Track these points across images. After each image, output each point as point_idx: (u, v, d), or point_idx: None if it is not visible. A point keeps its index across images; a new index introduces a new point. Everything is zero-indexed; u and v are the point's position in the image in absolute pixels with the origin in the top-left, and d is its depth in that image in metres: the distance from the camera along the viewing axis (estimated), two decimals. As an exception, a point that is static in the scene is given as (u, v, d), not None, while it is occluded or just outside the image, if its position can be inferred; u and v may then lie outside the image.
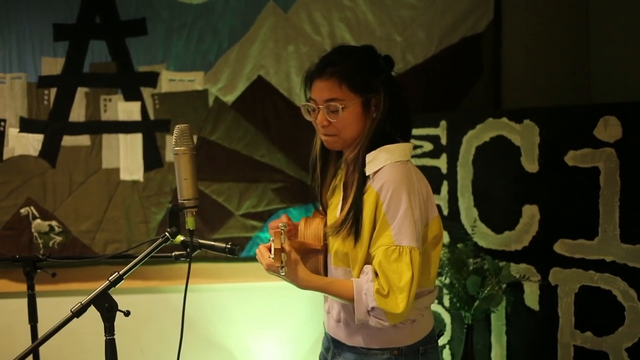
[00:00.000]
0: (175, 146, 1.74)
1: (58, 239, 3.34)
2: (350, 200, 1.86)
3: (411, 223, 1.76)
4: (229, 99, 3.35)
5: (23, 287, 2.53)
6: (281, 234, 1.71)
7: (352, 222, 1.83)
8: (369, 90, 1.85)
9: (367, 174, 1.84)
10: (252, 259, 2.11)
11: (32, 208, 3.32)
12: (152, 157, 3.34)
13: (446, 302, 3.12)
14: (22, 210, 3.32)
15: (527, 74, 3.38)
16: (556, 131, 2.74)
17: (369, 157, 1.84)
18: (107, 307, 1.68)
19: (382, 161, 1.83)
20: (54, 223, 3.34)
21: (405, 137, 1.94)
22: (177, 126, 1.74)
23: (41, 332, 2.47)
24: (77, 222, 3.34)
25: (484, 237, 2.98)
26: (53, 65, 3.29)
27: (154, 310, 3.41)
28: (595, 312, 2.66)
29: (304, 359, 3.45)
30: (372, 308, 1.75)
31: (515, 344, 2.95)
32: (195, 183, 1.75)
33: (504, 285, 2.81)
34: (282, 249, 1.71)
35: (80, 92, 3.31)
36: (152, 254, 1.78)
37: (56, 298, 2.99)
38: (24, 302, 2.52)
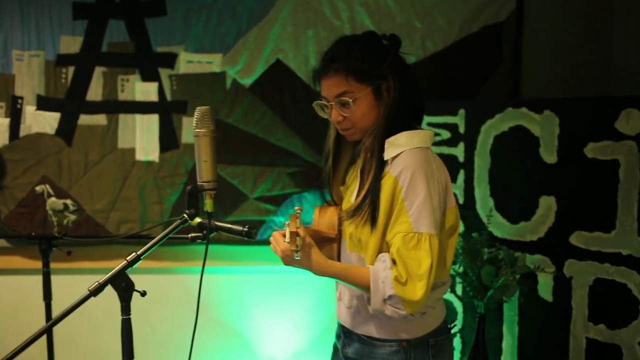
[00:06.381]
0: (195, 128, 1.73)
1: (72, 217, 3.35)
2: (367, 186, 1.85)
3: (430, 210, 1.74)
4: (247, 81, 3.33)
5: (36, 264, 2.56)
6: (297, 218, 1.70)
7: (369, 208, 1.81)
8: (377, 77, 1.83)
9: (385, 159, 1.83)
10: (266, 242, 2.10)
11: (47, 186, 3.34)
12: (168, 138, 3.34)
13: (459, 291, 3.11)
14: (37, 188, 3.33)
15: (548, 64, 3.34)
16: (576, 122, 2.71)
17: (388, 142, 1.83)
18: (124, 286, 1.69)
19: (402, 147, 1.81)
20: (68, 201, 3.35)
21: (419, 118, 1.92)
22: (198, 108, 1.74)
23: (54, 309, 2.50)
24: (92, 201, 3.36)
25: (500, 227, 2.97)
26: (71, 44, 3.29)
27: (165, 291, 3.43)
28: (609, 305, 2.65)
29: (314, 344, 3.46)
30: (390, 296, 1.74)
31: (527, 334, 2.94)
32: (214, 165, 1.75)
33: (517, 276, 2.80)
34: (297, 233, 1.69)
35: (98, 72, 3.31)
36: (169, 235, 1.78)
37: (70, 276, 3.02)
38: (37, 279, 2.54)
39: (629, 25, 3.25)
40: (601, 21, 3.34)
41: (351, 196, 1.95)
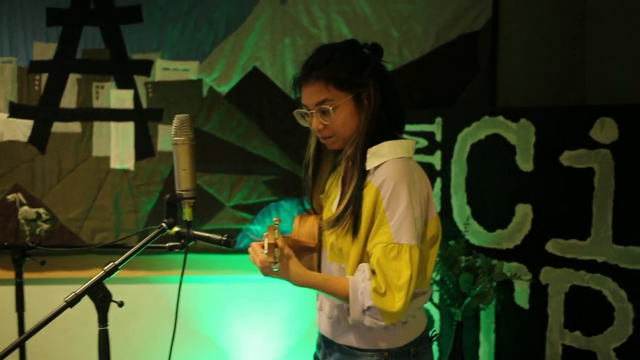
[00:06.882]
0: (174, 136, 1.71)
1: (45, 226, 3.30)
2: (348, 196, 1.83)
3: (411, 221, 1.74)
4: (224, 89, 3.32)
5: (9, 274, 2.51)
6: (275, 229, 1.69)
7: (351, 218, 1.80)
8: (358, 85, 1.82)
9: (367, 169, 1.82)
10: (243, 251, 2.09)
11: (19, 194, 3.28)
12: (144, 146, 3.31)
13: (436, 299, 3.12)
14: (9, 197, 3.27)
15: (523, 73, 3.38)
16: (552, 131, 2.74)
17: (370, 151, 1.82)
18: (101, 297, 1.66)
19: (384, 156, 1.80)
20: (41, 210, 3.29)
21: (400, 126, 1.92)
22: (177, 116, 1.72)
23: (28, 320, 2.45)
24: (65, 209, 3.30)
25: (476, 234, 2.98)
26: (45, 50, 3.24)
27: (139, 301, 3.38)
28: (584, 312, 2.67)
29: (292, 353, 3.44)
30: (369, 307, 1.72)
31: (503, 342, 2.95)
32: (193, 174, 1.73)
33: (494, 284, 2.81)
34: (275, 244, 1.67)
35: (72, 79, 3.26)
36: (148, 245, 1.75)
37: (43, 286, 2.97)
38: (10, 290, 2.49)
39: (602, 35, 3.30)
40: (575, 30, 3.38)
41: (332, 205, 1.94)
